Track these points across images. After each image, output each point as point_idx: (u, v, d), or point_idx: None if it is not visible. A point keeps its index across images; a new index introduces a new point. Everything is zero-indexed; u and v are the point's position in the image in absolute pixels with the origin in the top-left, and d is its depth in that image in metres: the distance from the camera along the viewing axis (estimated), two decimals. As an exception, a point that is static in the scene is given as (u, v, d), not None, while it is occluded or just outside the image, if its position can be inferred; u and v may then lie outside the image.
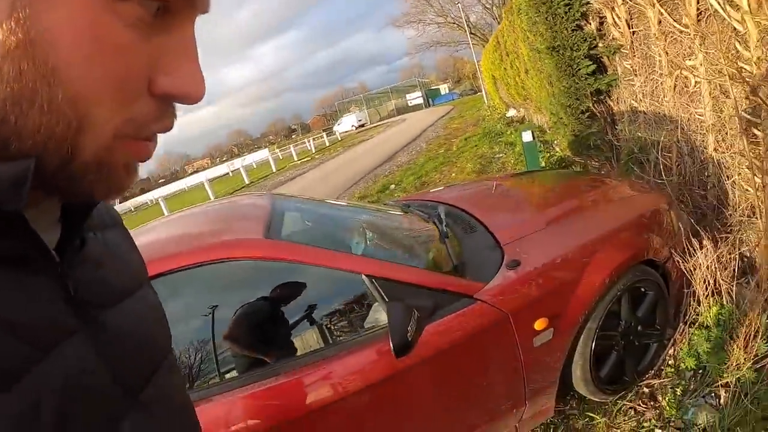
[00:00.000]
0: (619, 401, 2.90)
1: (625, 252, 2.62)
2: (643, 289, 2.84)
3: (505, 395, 2.48)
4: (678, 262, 2.97)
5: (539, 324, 2.40)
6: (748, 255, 3.33)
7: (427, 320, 2.23)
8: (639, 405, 2.86)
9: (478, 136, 14.38)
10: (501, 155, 10.41)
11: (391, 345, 2.00)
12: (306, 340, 2.21)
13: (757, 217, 3.26)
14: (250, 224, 2.46)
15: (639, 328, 2.84)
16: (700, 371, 2.90)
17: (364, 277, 2.22)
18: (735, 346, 2.75)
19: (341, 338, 2.20)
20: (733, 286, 3.06)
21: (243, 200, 3.13)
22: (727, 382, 2.66)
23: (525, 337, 2.39)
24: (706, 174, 3.54)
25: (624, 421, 2.80)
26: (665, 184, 3.80)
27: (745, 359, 2.66)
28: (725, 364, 2.74)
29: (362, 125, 45.09)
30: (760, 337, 2.71)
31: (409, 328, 2.04)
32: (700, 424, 2.59)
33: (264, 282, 2.29)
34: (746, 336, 2.70)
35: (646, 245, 2.77)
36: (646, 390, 2.93)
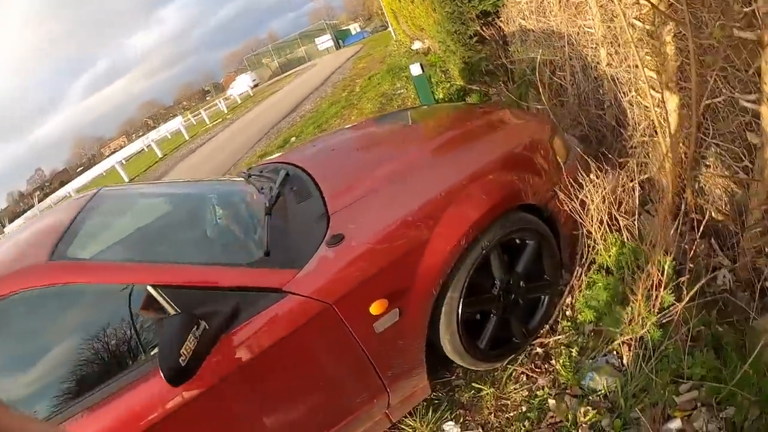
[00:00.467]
0: (510, 366, 2.55)
1: (484, 203, 2.17)
2: (518, 241, 2.42)
3: (358, 388, 2.10)
4: (563, 200, 2.54)
5: (377, 307, 1.98)
6: (651, 181, 2.92)
7: (225, 329, 1.79)
8: (531, 370, 2.51)
9: (382, 74, 14.26)
10: (402, 91, 10.24)
11: (161, 372, 1.57)
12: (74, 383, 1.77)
13: (659, 137, 2.82)
14: (36, 247, 1.97)
15: (522, 284, 2.45)
16: (601, 325, 2.54)
17: (149, 288, 1.76)
18: (639, 296, 2.35)
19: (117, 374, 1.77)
20: (634, 221, 2.67)
21: (53, 212, 2.60)
22: (630, 338, 2.29)
23: (361, 325, 1.98)
24: (601, 92, 3.06)
25: (515, 390, 2.46)
26: (560, 106, 3.33)
27: (649, 312, 2.28)
28: (626, 318, 2.36)
29: (256, 85, 44.04)
30: (664, 286, 2.31)
31: (183, 351, 1.61)
32: (599, 391, 2.24)
33: (54, 313, 1.85)
34: (649, 284, 2.30)
35: (517, 188, 2.32)
36: (540, 351, 2.57)
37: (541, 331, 2.62)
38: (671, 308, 2.15)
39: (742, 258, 2.43)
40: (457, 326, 2.23)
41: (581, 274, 2.73)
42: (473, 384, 2.55)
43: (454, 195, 2.15)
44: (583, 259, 2.74)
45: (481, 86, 5.38)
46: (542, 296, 2.58)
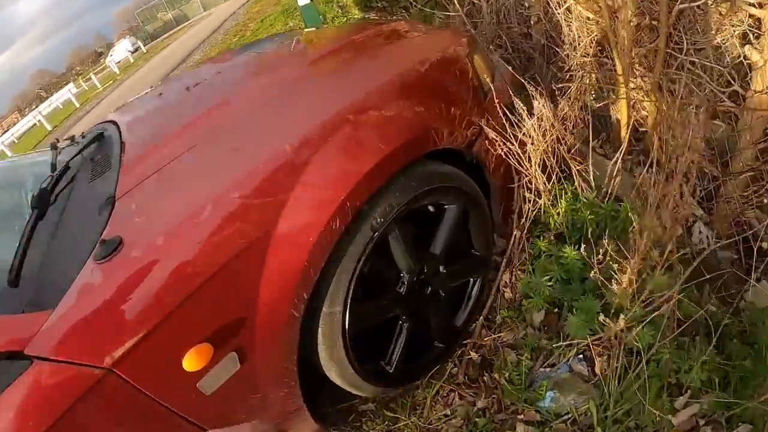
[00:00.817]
0: (434, 381, 1.81)
1: (371, 154, 1.33)
2: (432, 208, 1.62)
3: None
4: (494, 140, 1.75)
5: (194, 359, 1.14)
6: (600, 112, 2.19)
7: None
8: (464, 385, 1.78)
9: (276, 15, 13.64)
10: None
11: None
12: None
13: (607, 56, 2.08)
14: None
15: (441, 269, 1.67)
16: (556, 312, 1.82)
17: None
18: (623, 279, 1.59)
19: None
20: (587, 166, 1.94)
21: None
22: (605, 338, 1.56)
23: (174, 393, 1.14)
24: (526, 4, 2.27)
25: (444, 417, 1.72)
26: (473, 28, 2.52)
27: (633, 299, 1.54)
28: (597, 307, 1.63)
29: (136, 49, 41.29)
30: (662, 265, 1.54)
31: None
32: (566, 416, 1.53)
33: None
34: (636, 261, 1.55)
35: (425, 126, 1.49)
36: (474, 356, 1.84)
37: (474, 327, 1.88)
38: (657, 294, 1.44)
39: (722, 208, 1.76)
40: (346, 351, 1.43)
41: (520, 239, 2.00)
42: (386, 411, 1.79)
43: (319, 145, 1.29)
44: (523, 219, 2.00)
45: (379, 14, 4.64)
46: (471, 279, 1.82)
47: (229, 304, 1.16)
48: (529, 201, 1.98)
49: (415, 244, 1.54)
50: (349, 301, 1.36)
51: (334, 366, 1.44)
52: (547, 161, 1.91)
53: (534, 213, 2.01)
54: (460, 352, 1.84)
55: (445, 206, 1.61)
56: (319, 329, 1.36)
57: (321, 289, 1.32)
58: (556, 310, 1.86)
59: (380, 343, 1.63)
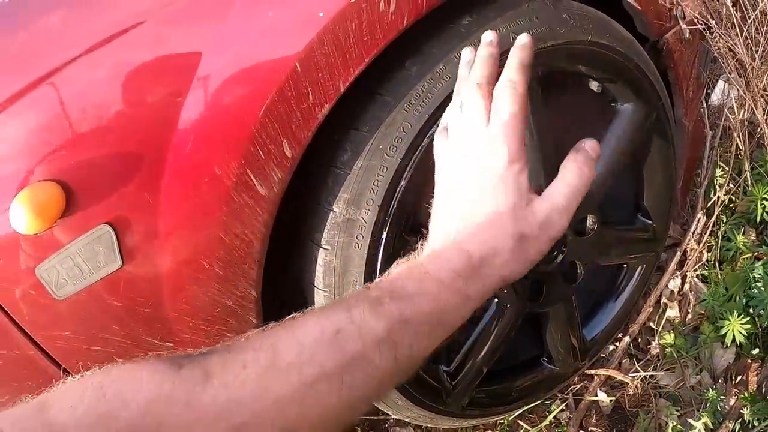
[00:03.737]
0: (524, 425, 1.03)
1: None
2: (593, 90, 0.87)
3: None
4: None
5: (28, 210, 0.48)
6: None
7: None
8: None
9: None
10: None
11: None
12: None
13: None
14: None
15: (591, 221, 0.90)
16: (758, 354, 1.01)
17: None
18: None
19: None
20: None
21: None
22: None
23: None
24: None
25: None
26: None
27: None
28: None
29: None
30: None
31: None
32: None
33: None
34: None
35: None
36: (604, 400, 1.03)
37: (612, 350, 1.08)
38: None
39: None
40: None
41: (705, 228, 1.19)
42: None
43: None
44: (714, 199, 1.20)
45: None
46: (626, 266, 1.04)
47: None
48: (729, 170, 1.19)
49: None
50: (393, 210, 0.65)
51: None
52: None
53: (731, 192, 1.21)
54: (580, 385, 1.05)
55: (615, 103, 0.87)
56: (320, 254, 0.66)
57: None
58: (757, 350, 1.03)
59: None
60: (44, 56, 0.57)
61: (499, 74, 0.55)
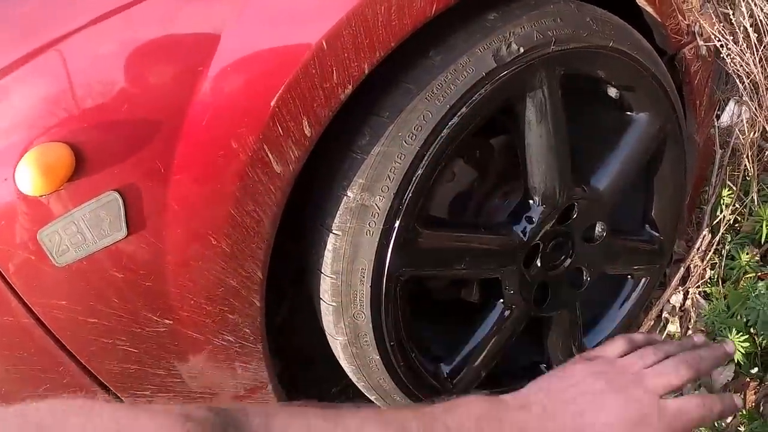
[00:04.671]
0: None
1: None
2: (608, 97, 0.87)
3: None
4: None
5: (34, 169, 0.48)
6: None
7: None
8: None
9: None
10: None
11: None
12: None
13: None
14: None
15: (601, 227, 0.89)
16: (756, 374, 1.00)
17: None
18: None
19: None
20: None
21: None
22: None
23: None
24: None
25: None
26: None
27: None
28: None
29: None
30: None
31: None
32: None
33: None
34: None
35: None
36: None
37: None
38: None
39: None
40: (382, 305, 0.69)
41: (709, 246, 1.18)
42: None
43: None
44: (720, 217, 1.20)
45: None
46: (630, 277, 1.03)
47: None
48: (737, 190, 1.19)
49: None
50: (408, 198, 0.64)
51: (346, 330, 0.71)
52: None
53: (737, 212, 1.21)
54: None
55: (631, 111, 0.86)
56: (330, 239, 0.64)
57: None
58: (756, 370, 1.03)
59: (443, 325, 0.89)
60: (65, 17, 0.56)
61: None
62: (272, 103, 0.56)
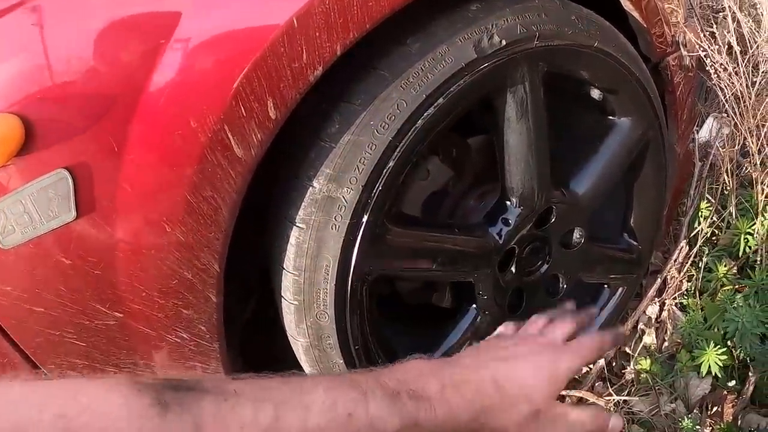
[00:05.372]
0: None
1: None
2: (589, 101, 0.85)
3: None
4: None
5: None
6: None
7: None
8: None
9: None
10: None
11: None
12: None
13: None
14: None
15: (579, 232, 0.87)
16: (733, 386, 0.99)
17: None
18: None
19: None
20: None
21: None
22: None
23: None
24: None
25: None
26: None
27: None
28: None
29: None
30: None
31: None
32: None
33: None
34: None
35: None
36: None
37: (586, 373, 1.05)
38: None
39: None
40: (346, 305, 0.65)
41: (687, 258, 1.17)
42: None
43: None
44: (698, 229, 1.18)
45: None
46: (607, 287, 1.01)
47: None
48: (715, 203, 1.18)
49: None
50: (377, 192, 0.60)
51: (309, 331, 0.67)
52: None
53: (715, 225, 1.20)
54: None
55: (614, 115, 0.84)
56: (293, 232, 0.61)
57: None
58: (733, 382, 1.02)
59: (413, 330, 0.86)
60: None
61: None
62: (236, 82, 0.52)
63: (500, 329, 0.65)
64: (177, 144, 0.53)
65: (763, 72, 1.16)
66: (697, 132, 1.29)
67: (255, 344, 0.89)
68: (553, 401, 0.53)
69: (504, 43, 0.63)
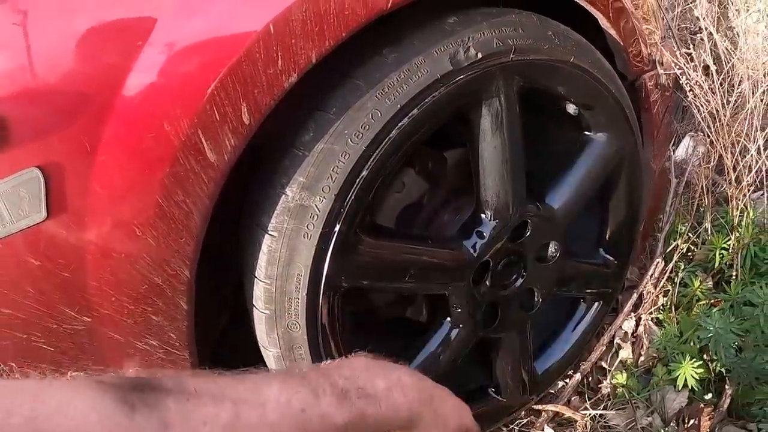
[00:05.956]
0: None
1: None
2: (566, 116, 0.86)
3: None
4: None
5: None
6: None
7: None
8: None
9: None
10: None
11: None
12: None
13: None
14: None
15: (554, 247, 0.87)
16: (710, 399, 1.00)
17: None
18: None
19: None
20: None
21: None
22: None
23: None
24: None
25: None
26: None
27: None
28: None
29: None
30: None
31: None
32: None
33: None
34: None
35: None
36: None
37: (562, 387, 1.06)
38: None
39: None
40: (318, 314, 0.65)
41: (663, 273, 1.18)
42: None
43: None
44: (674, 245, 1.20)
45: None
46: (583, 301, 1.02)
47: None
48: (691, 219, 1.20)
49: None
50: (350, 201, 0.60)
51: (280, 341, 0.66)
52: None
53: (690, 240, 1.22)
54: (526, 419, 1.01)
55: (589, 131, 0.86)
56: (265, 240, 0.61)
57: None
58: (710, 395, 1.03)
59: (387, 342, 0.85)
60: None
61: None
62: (210, 87, 0.52)
63: None
64: (150, 147, 0.53)
65: (738, 92, 1.19)
66: (674, 150, 1.31)
67: (227, 354, 0.88)
68: None
69: (480, 56, 0.64)
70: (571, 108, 0.81)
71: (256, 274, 0.63)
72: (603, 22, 0.88)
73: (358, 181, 0.59)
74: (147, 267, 0.57)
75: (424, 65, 0.61)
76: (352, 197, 0.59)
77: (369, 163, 0.59)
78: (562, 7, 0.79)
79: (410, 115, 0.60)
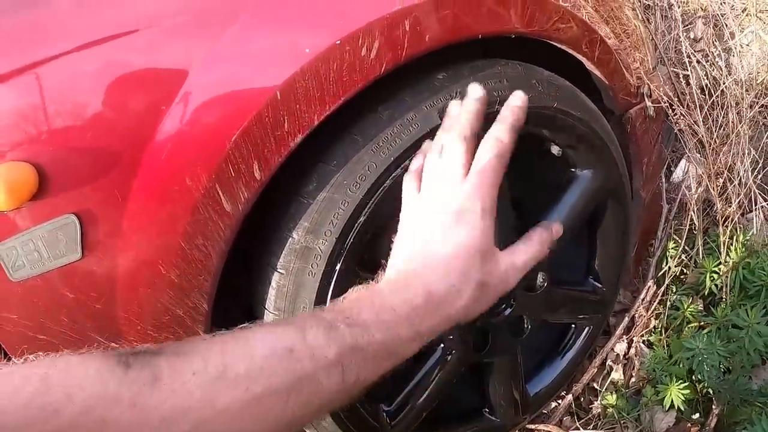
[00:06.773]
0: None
1: None
2: (554, 156, 0.92)
3: None
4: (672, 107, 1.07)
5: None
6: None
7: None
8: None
9: None
10: None
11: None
12: None
13: None
14: None
15: (542, 277, 0.93)
16: (697, 419, 1.05)
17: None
18: None
19: None
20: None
21: None
22: None
23: None
24: None
25: None
26: None
27: None
28: None
29: None
30: None
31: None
32: None
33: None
34: None
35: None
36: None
37: (554, 407, 1.11)
38: None
39: None
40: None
41: (654, 296, 1.24)
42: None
43: None
44: (665, 268, 1.25)
45: None
46: (573, 326, 1.08)
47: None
48: (682, 243, 1.25)
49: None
50: (350, 243, 0.68)
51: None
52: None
53: (682, 264, 1.27)
54: (519, 437, 1.07)
55: (575, 168, 0.92)
56: (275, 277, 0.68)
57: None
58: (697, 415, 1.07)
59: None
60: (40, 42, 0.59)
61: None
62: (227, 147, 0.60)
63: (404, 186, 0.62)
64: (174, 197, 0.61)
65: (726, 115, 1.25)
66: (670, 174, 1.36)
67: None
68: (492, 263, 0.54)
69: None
70: (555, 149, 0.87)
71: (266, 306, 0.70)
72: (588, 65, 0.94)
73: (356, 225, 0.66)
74: (170, 300, 0.65)
75: (415, 120, 0.68)
76: (351, 240, 0.66)
77: (366, 209, 0.66)
78: (548, 47, 0.86)
79: (403, 165, 0.67)
